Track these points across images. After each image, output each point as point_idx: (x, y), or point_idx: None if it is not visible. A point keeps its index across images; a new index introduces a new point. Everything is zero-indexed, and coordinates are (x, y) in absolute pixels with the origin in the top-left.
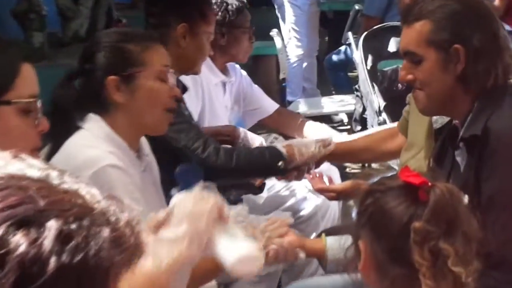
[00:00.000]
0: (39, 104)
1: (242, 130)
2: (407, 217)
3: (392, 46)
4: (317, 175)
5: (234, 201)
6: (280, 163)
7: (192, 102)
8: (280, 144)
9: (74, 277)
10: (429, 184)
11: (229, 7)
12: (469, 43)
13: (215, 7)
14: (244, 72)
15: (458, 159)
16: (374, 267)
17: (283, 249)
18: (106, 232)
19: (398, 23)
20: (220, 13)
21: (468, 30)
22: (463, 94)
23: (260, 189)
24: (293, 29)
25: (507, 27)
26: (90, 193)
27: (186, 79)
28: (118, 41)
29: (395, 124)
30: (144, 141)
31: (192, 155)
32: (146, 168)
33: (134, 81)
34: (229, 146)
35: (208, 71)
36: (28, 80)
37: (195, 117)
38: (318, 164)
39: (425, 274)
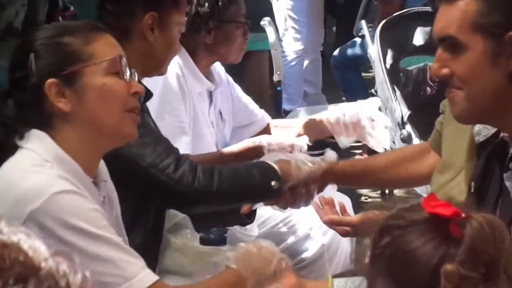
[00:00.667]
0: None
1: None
2: (436, 260)
3: (419, 38)
4: (326, 200)
5: (215, 241)
6: (273, 183)
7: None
8: (272, 159)
9: None
10: (463, 215)
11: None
12: None
13: None
14: (230, 78)
15: (508, 183)
16: None
17: None
18: None
19: (425, 8)
20: (206, 4)
21: None
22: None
23: (249, 217)
24: (290, 17)
25: None
26: (34, 248)
27: (170, 87)
28: (53, 36)
29: (423, 140)
30: (102, 163)
31: (161, 176)
32: (105, 198)
33: (79, 81)
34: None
35: (190, 76)
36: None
37: None
38: (320, 187)
39: None
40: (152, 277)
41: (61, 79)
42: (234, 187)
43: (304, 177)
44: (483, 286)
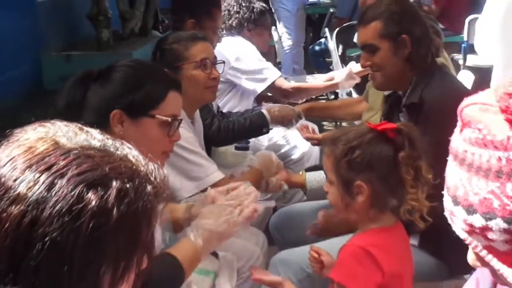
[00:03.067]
0: (176, 123)
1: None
2: (392, 154)
3: (356, 38)
4: (305, 125)
5: (243, 147)
6: (264, 130)
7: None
8: (266, 111)
9: (129, 222)
10: (395, 127)
11: (255, 9)
12: (412, 33)
13: (243, 6)
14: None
15: (401, 118)
16: (373, 203)
17: (274, 181)
18: (149, 188)
19: None
20: (247, 13)
21: (410, 24)
22: (408, 72)
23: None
24: (285, 26)
25: (441, 25)
26: (136, 157)
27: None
28: (171, 43)
29: (359, 95)
30: (197, 113)
31: (204, 126)
32: (195, 131)
33: (181, 71)
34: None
35: None
36: (171, 104)
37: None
38: (299, 117)
39: (411, 185)
40: (221, 174)
41: (173, 70)
42: (242, 135)
43: (284, 119)
44: (419, 158)
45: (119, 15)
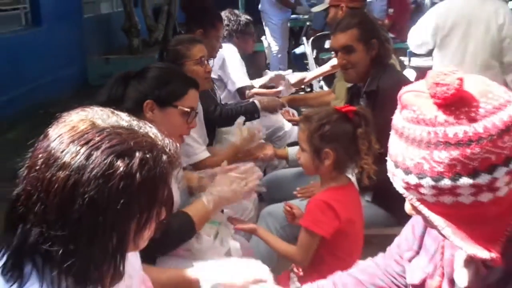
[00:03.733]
0: (194, 114)
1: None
2: (352, 130)
3: (327, 44)
4: (288, 111)
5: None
6: (256, 115)
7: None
8: (257, 101)
9: (149, 183)
10: (355, 109)
11: (241, 22)
12: (379, 37)
13: (231, 20)
14: None
15: (362, 103)
16: (334, 168)
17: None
18: (165, 157)
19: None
20: (235, 25)
21: (376, 31)
22: (371, 68)
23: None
24: (273, 36)
25: (391, 35)
26: (155, 134)
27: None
28: (175, 45)
29: (329, 88)
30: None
31: (208, 113)
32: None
33: (185, 67)
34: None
35: None
36: (190, 99)
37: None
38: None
39: (365, 153)
40: (207, 153)
41: (181, 65)
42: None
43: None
44: (371, 133)
45: (146, 27)
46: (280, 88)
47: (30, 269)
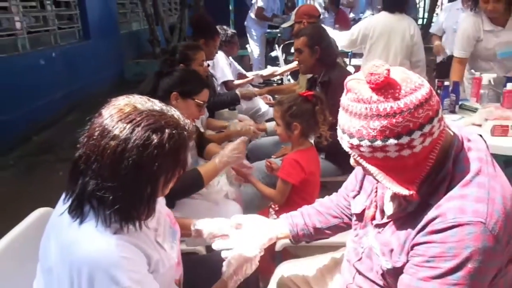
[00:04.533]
0: (204, 105)
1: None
2: (311, 108)
3: (292, 50)
4: (266, 97)
5: (233, 108)
6: (237, 103)
7: None
8: (238, 92)
9: (174, 151)
10: (313, 93)
11: (228, 34)
12: (322, 44)
13: (221, 33)
14: None
15: (318, 90)
16: (300, 136)
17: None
18: (185, 133)
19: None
20: (223, 37)
21: (320, 38)
22: (319, 65)
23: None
24: (255, 44)
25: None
26: (178, 116)
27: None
28: (184, 50)
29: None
30: None
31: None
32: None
33: (190, 66)
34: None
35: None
36: (204, 95)
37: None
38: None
39: (322, 123)
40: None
41: (188, 65)
42: (225, 104)
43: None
44: (326, 108)
45: (164, 39)
46: (252, 77)
47: (89, 209)
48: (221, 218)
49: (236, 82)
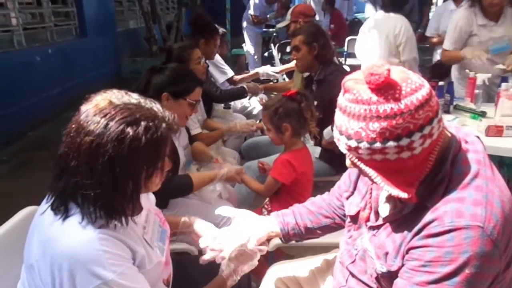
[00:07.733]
0: (197, 104)
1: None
2: (298, 106)
3: (288, 49)
4: (261, 98)
5: (227, 106)
6: (245, 95)
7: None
8: (246, 86)
9: (152, 144)
10: (296, 92)
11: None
12: (319, 42)
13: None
14: None
15: (314, 89)
16: (292, 136)
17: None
18: (164, 125)
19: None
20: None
21: (318, 36)
22: (317, 64)
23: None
24: (251, 44)
25: (333, 42)
26: (157, 108)
27: None
28: (181, 50)
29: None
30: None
31: (210, 93)
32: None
33: (188, 63)
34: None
35: None
36: (196, 94)
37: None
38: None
39: (310, 119)
40: (199, 129)
41: (186, 63)
42: (233, 97)
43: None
44: (312, 106)
45: (161, 38)
46: (255, 71)
47: (73, 206)
48: (210, 223)
49: (239, 76)
